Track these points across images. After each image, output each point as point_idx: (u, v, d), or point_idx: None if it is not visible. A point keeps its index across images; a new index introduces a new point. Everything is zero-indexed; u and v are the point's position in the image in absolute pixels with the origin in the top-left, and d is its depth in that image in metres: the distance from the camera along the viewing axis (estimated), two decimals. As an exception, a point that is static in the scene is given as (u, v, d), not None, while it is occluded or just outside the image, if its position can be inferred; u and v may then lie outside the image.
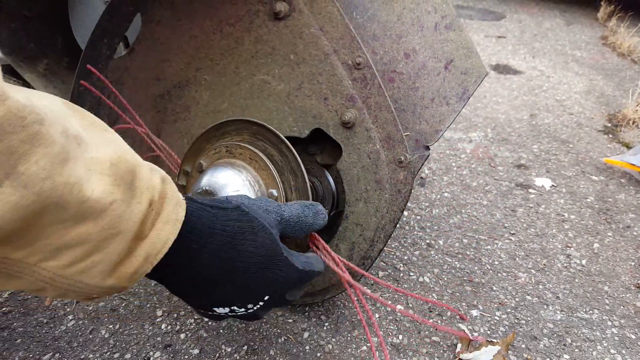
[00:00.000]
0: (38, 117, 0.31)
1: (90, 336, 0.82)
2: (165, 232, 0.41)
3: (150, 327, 0.84)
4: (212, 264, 0.47)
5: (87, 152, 0.36)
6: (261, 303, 0.52)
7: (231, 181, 0.59)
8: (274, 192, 0.62)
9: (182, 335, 0.83)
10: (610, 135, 1.69)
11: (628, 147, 1.61)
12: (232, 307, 0.52)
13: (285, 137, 0.63)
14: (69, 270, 0.35)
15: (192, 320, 0.86)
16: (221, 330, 0.84)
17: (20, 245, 0.32)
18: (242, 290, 0.50)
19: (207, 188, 0.57)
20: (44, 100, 0.35)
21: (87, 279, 0.37)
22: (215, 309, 0.52)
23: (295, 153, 0.63)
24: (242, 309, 0.52)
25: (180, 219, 0.43)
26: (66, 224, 0.34)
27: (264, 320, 0.87)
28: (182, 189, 0.69)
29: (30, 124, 0.30)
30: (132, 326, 0.84)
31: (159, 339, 0.82)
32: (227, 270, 0.48)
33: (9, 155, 0.29)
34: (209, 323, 0.85)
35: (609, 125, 1.77)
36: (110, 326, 0.84)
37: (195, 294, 0.50)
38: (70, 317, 0.86)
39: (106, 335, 0.82)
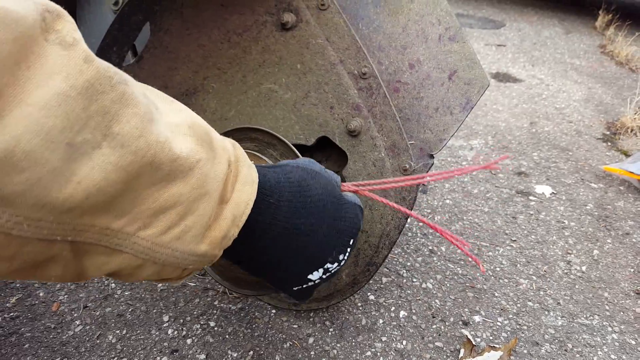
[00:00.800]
0: (122, 77, 0.32)
1: (98, 341, 0.83)
2: (245, 193, 0.42)
3: (157, 333, 0.85)
4: (292, 215, 0.47)
5: (164, 116, 0.36)
6: (349, 249, 0.53)
7: None
8: None
9: (189, 341, 0.84)
10: (609, 143, 1.71)
11: (626, 154, 1.63)
12: (326, 265, 0.52)
13: (292, 145, 0.65)
14: (165, 237, 0.35)
15: (199, 326, 0.87)
16: (227, 336, 0.85)
17: (120, 213, 0.32)
18: (331, 238, 0.50)
19: None
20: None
21: (182, 246, 0.37)
22: (310, 276, 0.51)
23: (299, 155, 0.64)
24: (335, 263, 0.52)
25: (256, 180, 0.44)
26: (159, 185, 0.34)
27: (269, 325, 0.88)
28: None
29: (117, 83, 0.31)
30: (138, 331, 0.85)
31: (165, 344, 0.83)
32: (307, 221, 0.48)
33: (103, 115, 0.30)
34: (215, 328, 0.86)
35: (608, 133, 1.79)
36: (117, 331, 0.85)
37: (287, 262, 0.50)
38: (77, 322, 0.87)
39: (113, 341, 0.83)
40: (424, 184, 1.38)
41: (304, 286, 0.53)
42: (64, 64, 0.28)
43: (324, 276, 0.53)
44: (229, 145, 0.43)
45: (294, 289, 0.54)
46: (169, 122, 0.36)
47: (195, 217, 0.37)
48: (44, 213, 0.28)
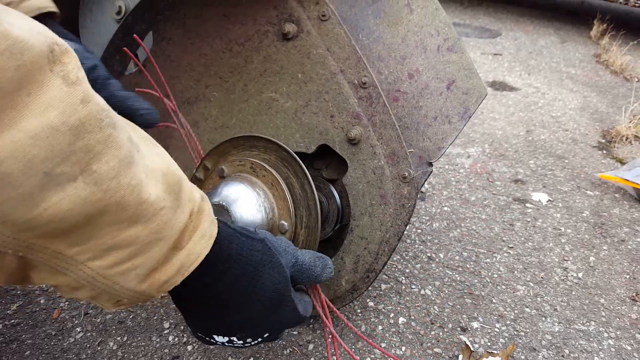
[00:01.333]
0: (112, 121, 0.34)
1: (99, 348, 0.83)
2: (200, 246, 0.42)
3: (158, 339, 0.86)
4: (232, 289, 0.48)
5: (143, 159, 0.38)
6: (259, 339, 0.54)
7: (246, 202, 0.60)
8: (286, 224, 0.63)
9: (190, 347, 0.84)
10: (605, 151, 1.73)
11: (622, 162, 1.65)
12: (232, 338, 0.53)
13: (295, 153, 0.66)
14: (111, 270, 0.36)
15: (199, 332, 0.87)
16: (227, 342, 0.86)
17: (76, 242, 0.34)
18: (248, 323, 0.51)
19: (223, 203, 0.59)
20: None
21: (124, 282, 0.38)
22: (215, 336, 0.52)
23: (316, 192, 0.64)
24: (240, 342, 0.53)
25: (213, 236, 0.44)
26: (121, 225, 0.35)
27: (269, 331, 0.88)
28: (199, 182, 0.71)
29: (106, 126, 0.33)
30: (139, 338, 0.86)
31: (166, 350, 0.83)
32: (241, 298, 0.49)
33: (85, 152, 0.31)
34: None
35: (603, 141, 1.81)
36: (118, 338, 0.85)
37: (204, 316, 0.51)
38: (78, 329, 0.87)
39: (114, 347, 0.84)
40: (422, 191, 1.39)
41: (207, 338, 0.54)
42: (61, 100, 0.30)
43: (226, 343, 0.54)
44: (197, 197, 0.44)
45: (198, 334, 0.55)
46: (147, 166, 0.38)
47: (144, 258, 0.38)
48: (3, 228, 0.30)
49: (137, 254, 0.37)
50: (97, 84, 0.61)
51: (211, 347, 0.85)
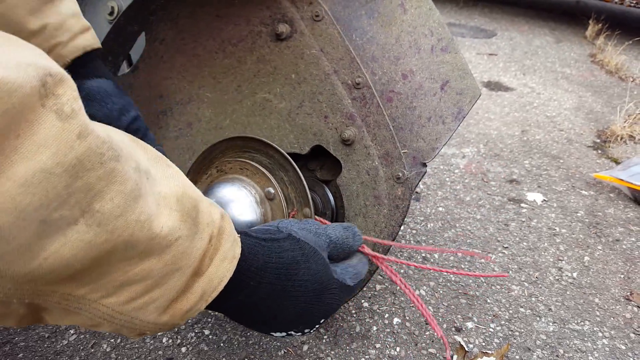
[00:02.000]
0: (115, 153, 0.31)
1: (92, 350, 0.83)
2: (222, 270, 0.40)
3: (152, 341, 0.85)
4: (270, 297, 0.47)
5: (154, 186, 0.35)
6: (316, 326, 0.53)
7: (228, 193, 0.62)
8: (271, 190, 0.64)
9: (183, 349, 0.84)
10: (600, 151, 1.73)
11: (617, 162, 1.65)
12: (289, 332, 0.52)
13: (287, 154, 0.66)
14: (127, 306, 0.34)
15: (193, 334, 0.87)
16: (222, 344, 0.85)
17: (85, 283, 0.32)
18: (300, 317, 0.50)
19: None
20: (118, 135, 0.34)
21: (143, 316, 0.36)
22: (273, 333, 0.52)
23: (279, 148, 0.65)
24: (299, 333, 0.52)
25: (237, 256, 0.42)
26: (132, 261, 0.33)
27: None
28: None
29: (108, 160, 0.30)
30: (132, 340, 0.85)
31: (160, 352, 0.83)
32: (283, 301, 0.48)
33: (86, 192, 0.29)
34: (209, 337, 0.87)
35: (598, 141, 1.82)
36: (112, 340, 0.85)
37: (251, 323, 0.50)
38: (71, 331, 0.86)
39: (108, 349, 0.83)
40: (416, 192, 1.39)
41: (271, 334, 0.54)
42: (55, 137, 0.27)
43: (286, 337, 0.54)
44: (217, 218, 0.41)
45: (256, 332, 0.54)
46: (158, 193, 0.35)
47: (162, 291, 0.36)
48: (3, 282, 0.27)
49: (153, 287, 0.35)
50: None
51: (205, 348, 0.84)
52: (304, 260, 0.49)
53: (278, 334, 0.52)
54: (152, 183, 0.35)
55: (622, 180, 1.41)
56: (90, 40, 0.59)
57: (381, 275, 1.05)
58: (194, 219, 0.38)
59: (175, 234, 0.35)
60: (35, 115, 0.26)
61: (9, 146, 0.25)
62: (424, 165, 0.75)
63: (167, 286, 0.36)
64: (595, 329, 0.95)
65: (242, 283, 0.44)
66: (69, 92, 0.28)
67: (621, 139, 1.81)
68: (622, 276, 1.10)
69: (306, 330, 0.52)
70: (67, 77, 0.29)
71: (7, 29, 0.30)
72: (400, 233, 1.20)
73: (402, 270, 1.07)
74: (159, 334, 0.86)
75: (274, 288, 0.46)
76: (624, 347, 0.90)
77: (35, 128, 0.26)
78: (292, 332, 0.52)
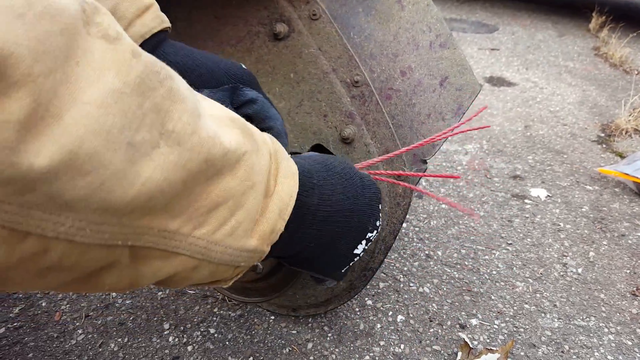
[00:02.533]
0: (168, 72, 0.31)
1: (100, 349, 0.84)
2: (288, 186, 0.42)
3: (158, 340, 0.86)
4: (333, 192, 0.49)
5: (207, 109, 0.35)
6: (380, 214, 0.55)
7: None
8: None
9: (190, 348, 0.85)
10: (604, 145, 1.72)
11: (621, 156, 1.64)
12: (367, 235, 0.54)
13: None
14: (218, 234, 0.35)
15: (199, 333, 0.88)
16: (227, 342, 0.86)
17: (176, 213, 0.32)
18: (367, 207, 0.52)
19: None
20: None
21: (234, 242, 0.37)
22: (356, 250, 0.54)
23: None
24: (375, 231, 0.55)
25: (296, 172, 0.44)
26: (210, 181, 0.33)
27: (269, 331, 0.89)
28: None
29: (165, 79, 0.30)
30: (140, 339, 0.86)
31: (166, 351, 0.84)
32: (345, 191, 0.50)
33: (157, 112, 0.29)
34: (215, 335, 0.87)
35: (603, 135, 1.81)
36: (119, 339, 0.86)
37: (336, 243, 0.51)
38: (80, 331, 0.87)
39: (115, 349, 0.84)
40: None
41: (350, 264, 0.55)
42: (112, 59, 0.27)
43: (366, 247, 0.55)
44: (268, 139, 0.43)
45: (342, 271, 0.56)
46: (212, 115, 0.36)
47: (244, 212, 0.37)
48: (107, 217, 0.27)
49: (236, 208, 0.36)
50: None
51: (211, 347, 0.85)
52: (327, 158, 0.52)
53: (360, 247, 0.54)
54: (203, 107, 0.35)
55: (627, 174, 1.40)
56: (156, 20, 0.56)
57: (384, 273, 1.05)
58: (252, 136, 0.39)
59: (242, 148, 0.36)
60: (85, 42, 0.26)
61: (73, 73, 0.25)
62: (425, 162, 0.75)
63: (247, 206, 0.37)
64: (601, 324, 0.94)
65: (307, 190, 0.46)
66: (107, 18, 0.28)
67: (626, 132, 1.80)
68: (628, 271, 1.10)
69: (378, 224, 0.55)
70: (99, 5, 0.29)
71: None
72: (403, 231, 1.20)
73: (405, 268, 1.07)
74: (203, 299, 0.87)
75: (330, 182, 0.49)
76: (630, 343, 0.90)
77: (89, 55, 0.26)
78: (369, 234, 0.54)
